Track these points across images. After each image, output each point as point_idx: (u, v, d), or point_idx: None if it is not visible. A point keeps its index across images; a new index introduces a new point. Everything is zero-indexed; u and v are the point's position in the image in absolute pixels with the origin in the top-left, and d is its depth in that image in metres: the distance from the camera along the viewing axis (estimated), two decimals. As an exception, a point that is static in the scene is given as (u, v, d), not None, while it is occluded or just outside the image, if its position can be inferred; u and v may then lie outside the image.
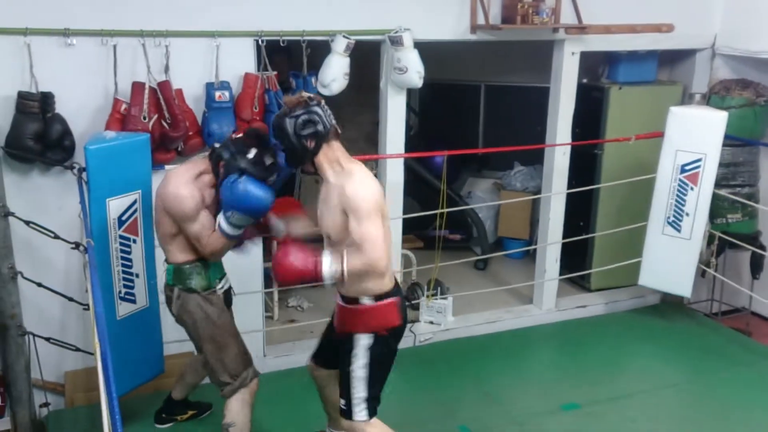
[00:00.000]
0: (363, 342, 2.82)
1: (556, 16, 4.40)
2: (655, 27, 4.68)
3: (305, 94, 2.78)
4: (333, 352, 3.02)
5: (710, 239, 4.90)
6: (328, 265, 2.64)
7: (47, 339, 3.76)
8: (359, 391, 2.84)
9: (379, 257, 2.62)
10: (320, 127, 2.71)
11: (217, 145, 3.01)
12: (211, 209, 3.03)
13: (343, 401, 2.90)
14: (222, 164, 2.92)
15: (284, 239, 2.95)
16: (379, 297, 2.82)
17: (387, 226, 2.76)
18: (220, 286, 3.23)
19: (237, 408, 3.11)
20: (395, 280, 2.91)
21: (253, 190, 2.84)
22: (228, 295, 3.31)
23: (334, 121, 2.77)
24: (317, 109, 2.73)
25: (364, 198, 2.65)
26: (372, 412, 2.89)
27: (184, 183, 2.97)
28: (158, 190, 3.06)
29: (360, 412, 2.86)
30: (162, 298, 3.37)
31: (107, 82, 3.65)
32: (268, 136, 3.00)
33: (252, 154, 2.88)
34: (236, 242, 3.10)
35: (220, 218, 2.94)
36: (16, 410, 3.81)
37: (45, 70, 3.52)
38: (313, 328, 4.79)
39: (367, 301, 2.81)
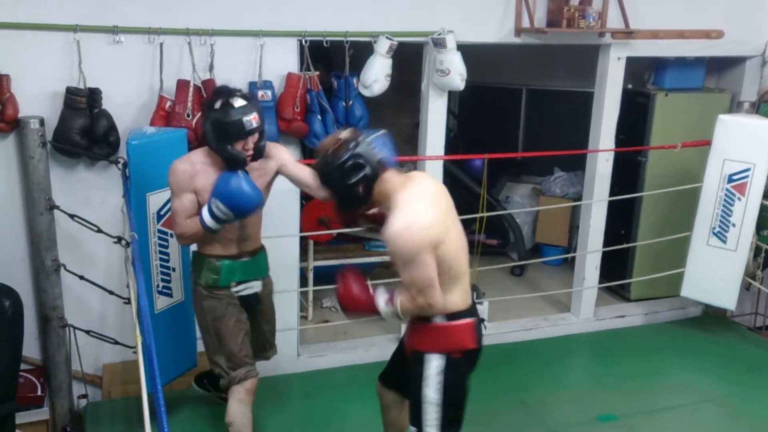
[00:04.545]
0: (434, 363, 2.61)
1: (602, 21, 4.33)
2: (704, 33, 4.58)
3: (341, 135, 2.53)
4: (402, 373, 2.81)
5: (756, 251, 4.77)
6: (383, 304, 2.56)
7: (87, 332, 3.82)
8: (431, 418, 2.62)
9: (430, 300, 2.49)
10: (368, 170, 2.46)
11: None
12: (203, 194, 2.94)
13: (414, 429, 2.68)
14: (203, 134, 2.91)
15: (343, 271, 2.72)
16: (452, 316, 2.61)
17: (453, 237, 2.55)
18: (235, 288, 3.14)
19: (234, 407, 3.06)
20: (472, 300, 2.70)
21: (245, 184, 2.82)
22: (247, 299, 3.21)
23: (380, 154, 2.50)
24: (359, 150, 2.46)
25: (405, 241, 2.40)
26: None
27: (185, 159, 2.99)
28: None
29: None
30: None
31: (153, 80, 3.70)
32: (231, 88, 2.91)
33: (218, 104, 2.85)
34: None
35: (204, 208, 2.89)
36: (55, 401, 3.88)
37: (93, 67, 3.58)
38: (346, 329, 4.80)
39: (439, 320, 2.61)
